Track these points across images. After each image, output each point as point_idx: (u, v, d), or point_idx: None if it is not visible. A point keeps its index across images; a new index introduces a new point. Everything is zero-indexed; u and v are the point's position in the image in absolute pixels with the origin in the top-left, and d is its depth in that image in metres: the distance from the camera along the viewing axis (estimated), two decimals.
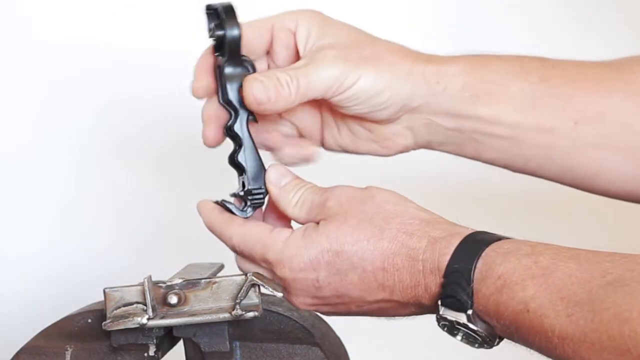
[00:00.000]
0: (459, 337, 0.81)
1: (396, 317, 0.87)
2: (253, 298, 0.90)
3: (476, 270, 0.79)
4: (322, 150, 0.97)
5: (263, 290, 0.91)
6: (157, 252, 1.47)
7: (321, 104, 0.96)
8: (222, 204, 0.92)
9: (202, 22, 0.91)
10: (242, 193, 0.91)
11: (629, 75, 0.93)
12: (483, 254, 0.79)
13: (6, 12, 1.40)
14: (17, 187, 1.43)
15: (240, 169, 0.92)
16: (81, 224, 1.45)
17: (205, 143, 0.93)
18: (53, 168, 1.44)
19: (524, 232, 0.86)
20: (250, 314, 0.90)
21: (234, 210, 0.92)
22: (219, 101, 0.92)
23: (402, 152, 0.97)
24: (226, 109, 0.92)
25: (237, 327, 0.93)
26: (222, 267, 1.00)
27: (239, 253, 0.91)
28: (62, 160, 1.44)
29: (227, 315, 0.90)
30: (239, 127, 0.91)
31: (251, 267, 0.90)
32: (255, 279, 0.89)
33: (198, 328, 0.92)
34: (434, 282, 0.81)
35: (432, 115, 0.93)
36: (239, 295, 0.90)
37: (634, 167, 0.93)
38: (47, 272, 1.44)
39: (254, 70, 0.91)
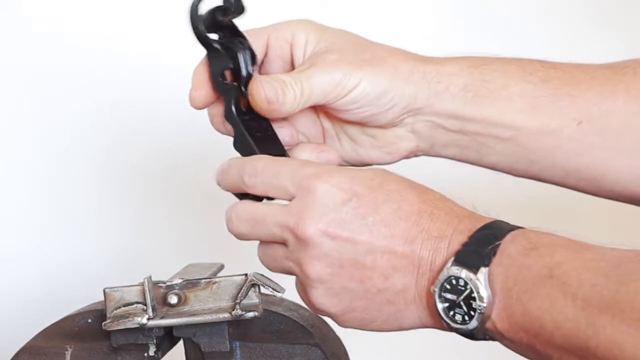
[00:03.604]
0: (456, 316, 0.79)
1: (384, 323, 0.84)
2: (253, 298, 0.90)
3: (508, 234, 0.78)
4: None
5: (263, 290, 0.91)
6: (157, 252, 1.47)
7: (320, 116, 0.95)
8: None
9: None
10: None
11: (632, 76, 0.93)
12: (521, 228, 0.79)
13: None
14: (16, 186, 1.43)
15: None
16: (81, 223, 1.45)
17: (191, 104, 0.91)
18: (53, 167, 1.44)
19: None
20: (250, 314, 0.90)
21: None
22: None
23: (405, 157, 0.95)
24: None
25: (237, 327, 0.93)
26: (222, 267, 1.00)
27: (256, 183, 0.86)
28: (62, 158, 1.44)
29: (227, 315, 0.90)
30: (228, 115, 0.89)
31: (273, 189, 0.85)
32: (255, 279, 0.90)
33: (198, 328, 0.92)
34: (459, 241, 0.79)
35: (435, 117, 0.92)
36: (239, 295, 0.90)
37: (639, 167, 0.93)
38: (47, 272, 1.44)
39: (248, 53, 0.89)
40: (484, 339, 0.80)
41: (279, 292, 0.89)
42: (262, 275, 0.90)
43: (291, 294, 0.92)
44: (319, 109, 0.94)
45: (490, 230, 0.79)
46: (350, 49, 0.90)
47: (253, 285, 0.90)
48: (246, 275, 0.91)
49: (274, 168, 0.85)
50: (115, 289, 0.91)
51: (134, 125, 1.45)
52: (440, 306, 0.79)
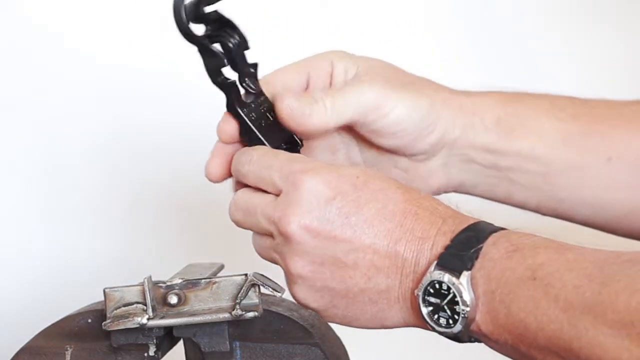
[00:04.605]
0: (441, 320, 0.78)
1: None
2: (253, 298, 0.90)
3: (490, 236, 0.78)
4: None
5: (263, 290, 0.91)
6: (157, 252, 1.47)
7: (350, 153, 0.95)
8: None
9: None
10: None
11: None
12: (503, 229, 0.79)
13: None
14: (16, 186, 1.43)
15: None
16: (81, 223, 1.45)
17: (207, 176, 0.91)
18: (52, 166, 1.44)
19: None
20: (250, 314, 0.90)
21: None
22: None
23: (435, 194, 0.95)
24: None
25: (237, 327, 0.93)
26: (222, 267, 1.00)
27: (248, 173, 0.86)
28: (62, 158, 1.44)
29: (227, 315, 0.90)
30: (230, 109, 0.88)
31: (261, 179, 0.85)
32: (255, 279, 0.90)
33: (198, 328, 0.92)
34: (442, 243, 0.79)
35: (470, 150, 0.93)
36: (239, 295, 0.90)
37: None
38: (47, 272, 1.44)
39: (236, 38, 0.87)
40: (470, 341, 0.80)
41: (279, 292, 0.89)
42: (262, 275, 0.90)
43: None
44: (354, 142, 0.94)
45: (473, 232, 0.79)
46: (387, 73, 0.91)
47: (253, 285, 0.90)
48: (246, 275, 0.91)
49: (267, 160, 0.85)
50: (115, 289, 0.91)
51: (134, 124, 1.45)
52: (424, 310, 0.79)
